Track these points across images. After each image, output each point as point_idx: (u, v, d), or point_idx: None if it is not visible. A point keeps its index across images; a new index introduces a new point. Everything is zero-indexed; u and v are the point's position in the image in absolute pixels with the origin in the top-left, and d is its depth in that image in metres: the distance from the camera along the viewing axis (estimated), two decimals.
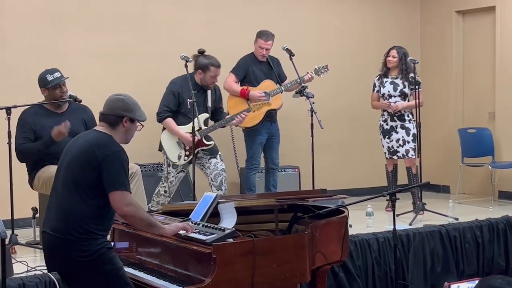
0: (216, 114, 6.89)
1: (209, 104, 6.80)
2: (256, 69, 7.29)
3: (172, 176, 6.70)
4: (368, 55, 8.69)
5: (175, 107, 6.65)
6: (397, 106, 7.38)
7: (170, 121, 6.65)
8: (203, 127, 6.64)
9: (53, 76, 5.76)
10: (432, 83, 9.13)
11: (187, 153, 6.62)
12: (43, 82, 5.77)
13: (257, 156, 7.37)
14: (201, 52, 6.72)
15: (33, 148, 5.62)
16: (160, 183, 6.79)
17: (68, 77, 5.87)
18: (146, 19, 7.71)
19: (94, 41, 7.39)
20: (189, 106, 6.56)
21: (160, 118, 6.69)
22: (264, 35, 7.24)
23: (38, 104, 5.82)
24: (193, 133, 6.31)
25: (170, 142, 6.66)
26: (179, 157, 6.62)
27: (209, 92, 6.80)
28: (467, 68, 9.08)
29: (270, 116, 7.28)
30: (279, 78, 7.31)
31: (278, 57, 7.45)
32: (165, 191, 6.71)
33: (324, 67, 7.30)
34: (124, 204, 3.81)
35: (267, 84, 7.24)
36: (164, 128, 6.74)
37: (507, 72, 8.42)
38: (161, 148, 6.77)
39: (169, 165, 6.69)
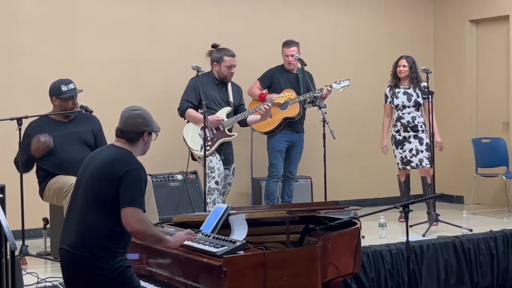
0: (238, 111, 6.92)
1: (231, 99, 6.83)
2: (282, 79, 7.32)
3: (216, 163, 6.62)
4: (381, 65, 8.62)
5: (196, 101, 6.67)
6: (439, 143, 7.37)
7: (191, 111, 6.68)
8: (226, 119, 6.70)
9: (67, 87, 5.76)
10: (446, 93, 9.07)
11: (209, 143, 6.57)
12: (56, 91, 5.76)
13: (277, 164, 7.34)
14: (215, 46, 6.83)
15: (19, 159, 5.64)
16: (207, 180, 6.55)
17: (82, 90, 5.87)
18: (158, 28, 7.70)
19: (106, 50, 7.39)
20: (212, 100, 6.61)
21: (182, 111, 6.73)
22: (286, 43, 7.35)
23: (45, 115, 5.80)
24: (204, 147, 6.27)
25: (192, 133, 6.67)
26: (201, 147, 6.56)
27: (229, 87, 6.85)
28: (480, 78, 9.01)
29: (291, 125, 7.29)
30: (308, 91, 7.27)
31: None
32: (216, 182, 6.60)
33: (346, 81, 7.26)
34: (135, 221, 3.76)
35: (290, 95, 7.23)
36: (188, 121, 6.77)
37: None
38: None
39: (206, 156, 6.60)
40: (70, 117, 5.83)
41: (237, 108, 6.92)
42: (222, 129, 6.67)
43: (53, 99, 5.79)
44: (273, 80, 7.33)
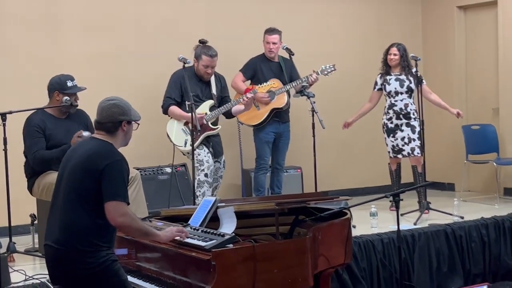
0: (223, 103, 6.84)
1: (214, 91, 6.77)
2: (265, 68, 7.24)
3: (205, 156, 6.58)
4: (369, 53, 8.59)
5: (178, 97, 6.64)
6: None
7: (174, 108, 6.64)
8: (208, 112, 6.65)
9: (72, 83, 5.67)
10: (435, 80, 9.02)
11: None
12: (61, 86, 5.63)
13: (265, 156, 7.29)
14: (202, 42, 6.74)
15: (51, 156, 5.49)
16: (196, 173, 6.50)
17: (86, 88, 5.77)
18: (145, 20, 7.62)
19: (93, 44, 7.30)
20: (194, 95, 6.51)
21: (164, 109, 6.68)
22: (268, 30, 7.27)
23: (39, 109, 5.69)
24: (192, 138, 6.21)
25: (176, 129, 6.62)
26: (186, 143, 6.52)
27: (212, 80, 6.77)
28: (469, 64, 8.98)
29: (278, 115, 7.22)
30: (291, 79, 7.22)
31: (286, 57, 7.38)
32: (206, 175, 6.55)
33: (331, 66, 7.20)
34: (119, 214, 3.70)
35: (273, 83, 7.17)
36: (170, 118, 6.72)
37: (510, 67, 8.32)
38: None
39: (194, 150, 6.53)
40: (65, 114, 5.73)
41: (221, 100, 6.84)
42: (205, 123, 6.60)
43: (55, 94, 5.64)
44: (256, 70, 7.24)
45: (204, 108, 6.66)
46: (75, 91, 5.67)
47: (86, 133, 5.33)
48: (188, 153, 6.60)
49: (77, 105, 5.68)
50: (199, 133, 6.52)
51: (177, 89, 6.62)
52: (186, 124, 6.55)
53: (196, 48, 6.71)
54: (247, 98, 6.67)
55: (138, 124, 4.04)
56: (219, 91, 6.83)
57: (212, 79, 6.78)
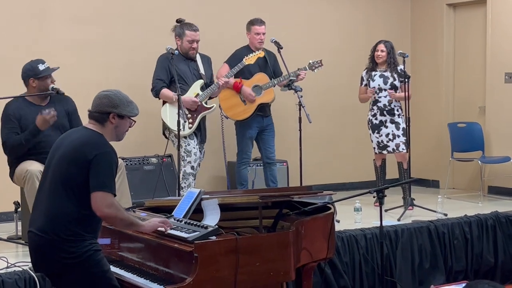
0: (211, 83, 6.87)
1: (202, 71, 6.77)
2: None
3: (194, 147, 6.60)
4: (358, 49, 8.60)
5: (167, 80, 6.61)
6: (394, 95, 7.29)
7: (166, 90, 6.60)
8: (200, 92, 6.64)
9: (44, 66, 5.61)
10: (423, 77, 9.06)
11: (190, 120, 6.56)
12: (33, 71, 5.58)
13: (247, 150, 7.29)
14: (179, 21, 6.72)
15: (20, 139, 5.48)
16: (182, 164, 6.51)
17: (58, 67, 5.73)
18: (133, 10, 7.60)
19: (80, 32, 7.27)
20: (183, 75, 6.58)
21: (156, 91, 6.64)
22: (257, 21, 7.21)
23: (20, 97, 5.66)
24: (178, 130, 6.21)
25: (171, 113, 6.55)
26: (184, 127, 6.50)
27: (198, 59, 6.78)
28: (457, 62, 9.01)
29: (262, 109, 7.21)
30: (274, 73, 7.22)
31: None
32: (192, 167, 6.58)
33: (318, 62, 7.19)
34: (105, 205, 3.70)
35: (260, 77, 7.16)
36: (164, 103, 6.68)
37: (497, 66, 8.35)
38: (164, 128, 6.68)
39: (185, 137, 6.55)
40: (45, 100, 5.70)
41: (211, 82, 6.86)
42: (199, 103, 6.62)
43: (31, 81, 5.59)
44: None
45: (195, 88, 6.66)
46: (49, 72, 5.61)
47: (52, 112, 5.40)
48: (185, 137, 6.57)
49: (63, 93, 5.62)
50: (194, 115, 6.54)
51: (166, 71, 6.58)
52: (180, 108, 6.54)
53: (175, 29, 6.70)
54: (223, 81, 6.74)
55: (134, 121, 3.99)
56: (208, 72, 6.83)
57: (198, 59, 6.78)
